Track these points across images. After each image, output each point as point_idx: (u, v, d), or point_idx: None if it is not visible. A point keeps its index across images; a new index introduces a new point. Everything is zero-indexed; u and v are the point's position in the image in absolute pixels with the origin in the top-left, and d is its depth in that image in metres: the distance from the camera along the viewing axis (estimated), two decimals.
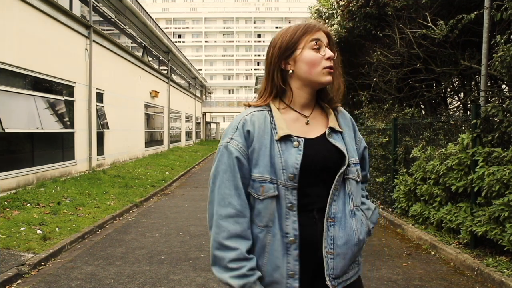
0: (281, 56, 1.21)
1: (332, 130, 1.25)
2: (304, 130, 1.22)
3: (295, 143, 1.17)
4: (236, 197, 1.14)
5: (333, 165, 1.20)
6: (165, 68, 22.63)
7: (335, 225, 1.17)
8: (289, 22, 61.50)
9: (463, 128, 5.04)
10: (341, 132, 1.27)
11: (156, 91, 18.56)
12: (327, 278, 1.16)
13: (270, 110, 1.22)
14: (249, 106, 1.27)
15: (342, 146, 1.22)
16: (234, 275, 1.09)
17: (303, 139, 1.18)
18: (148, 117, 18.42)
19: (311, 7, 10.90)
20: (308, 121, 1.24)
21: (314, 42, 1.19)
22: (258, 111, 1.22)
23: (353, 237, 1.19)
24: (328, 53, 1.20)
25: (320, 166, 1.18)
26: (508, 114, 4.01)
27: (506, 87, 6.27)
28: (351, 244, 1.18)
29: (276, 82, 1.22)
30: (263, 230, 1.15)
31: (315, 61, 1.19)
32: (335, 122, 1.27)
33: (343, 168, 1.20)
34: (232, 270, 1.10)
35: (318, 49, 1.19)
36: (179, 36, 63.77)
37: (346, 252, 1.18)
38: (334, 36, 8.97)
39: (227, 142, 1.18)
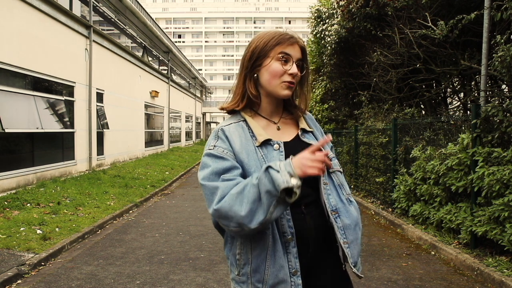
0: (254, 63, 1.24)
1: (304, 130, 1.32)
2: (278, 135, 1.28)
3: (276, 145, 1.22)
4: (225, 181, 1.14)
5: None
6: (165, 68, 22.64)
7: (340, 216, 1.24)
8: (289, 22, 61.61)
9: (463, 128, 5.04)
10: (311, 132, 1.35)
11: (156, 91, 18.56)
12: (352, 266, 1.23)
13: (244, 120, 1.26)
14: (224, 110, 1.31)
15: (316, 143, 1.28)
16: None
17: (282, 142, 1.24)
18: (148, 117, 18.42)
19: (311, 7, 10.89)
20: (278, 127, 1.30)
21: (282, 55, 1.21)
22: (234, 123, 1.26)
23: (357, 222, 1.28)
24: (293, 69, 1.22)
25: None
26: (508, 114, 4.01)
27: (506, 87, 6.27)
28: (358, 229, 1.27)
29: (249, 89, 1.25)
30: (264, 234, 1.16)
31: (276, 73, 1.21)
32: (304, 123, 1.34)
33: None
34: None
35: (285, 62, 1.22)
36: (179, 36, 63.77)
37: (356, 237, 1.26)
38: (334, 36, 9.04)
39: (211, 149, 1.20)
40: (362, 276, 1.29)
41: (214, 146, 1.20)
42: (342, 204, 1.26)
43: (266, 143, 1.22)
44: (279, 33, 1.24)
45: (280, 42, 1.22)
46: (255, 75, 1.25)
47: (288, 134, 1.30)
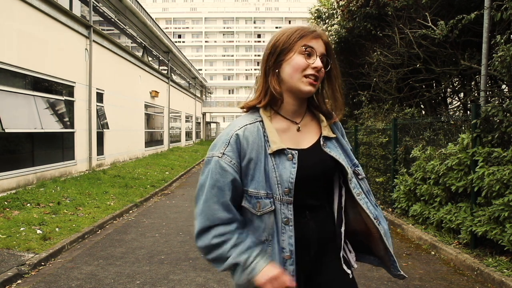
0: (277, 58, 1.18)
1: (326, 138, 1.25)
2: (296, 139, 1.21)
3: (289, 156, 1.16)
4: (225, 212, 1.14)
5: (330, 172, 1.23)
6: (165, 68, 22.63)
7: (381, 223, 1.24)
8: (289, 22, 61.55)
9: (463, 128, 5.04)
10: (335, 138, 1.28)
11: (156, 91, 18.55)
12: (399, 269, 1.29)
13: (262, 121, 1.19)
14: (245, 108, 1.25)
15: (338, 155, 1.23)
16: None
17: (297, 151, 1.17)
18: (148, 117, 18.41)
19: (311, 7, 10.90)
20: (299, 128, 1.23)
21: (305, 47, 1.15)
22: (250, 123, 1.18)
23: None
24: (317, 63, 1.15)
25: (317, 177, 1.20)
26: (508, 114, 4.01)
27: (506, 87, 6.27)
28: None
29: (273, 84, 1.18)
30: (264, 244, 1.15)
31: (299, 66, 1.15)
32: (327, 129, 1.26)
33: (349, 180, 1.23)
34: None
35: (308, 56, 1.15)
36: (179, 36, 63.75)
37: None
38: (334, 36, 9.03)
39: (219, 157, 1.14)
40: (406, 276, 1.30)
41: (223, 154, 1.14)
42: (375, 210, 1.24)
43: (280, 151, 1.15)
44: (302, 27, 1.19)
45: (304, 35, 1.16)
46: (277, 70, 1.18)
47: (307, 139, 1.23)
